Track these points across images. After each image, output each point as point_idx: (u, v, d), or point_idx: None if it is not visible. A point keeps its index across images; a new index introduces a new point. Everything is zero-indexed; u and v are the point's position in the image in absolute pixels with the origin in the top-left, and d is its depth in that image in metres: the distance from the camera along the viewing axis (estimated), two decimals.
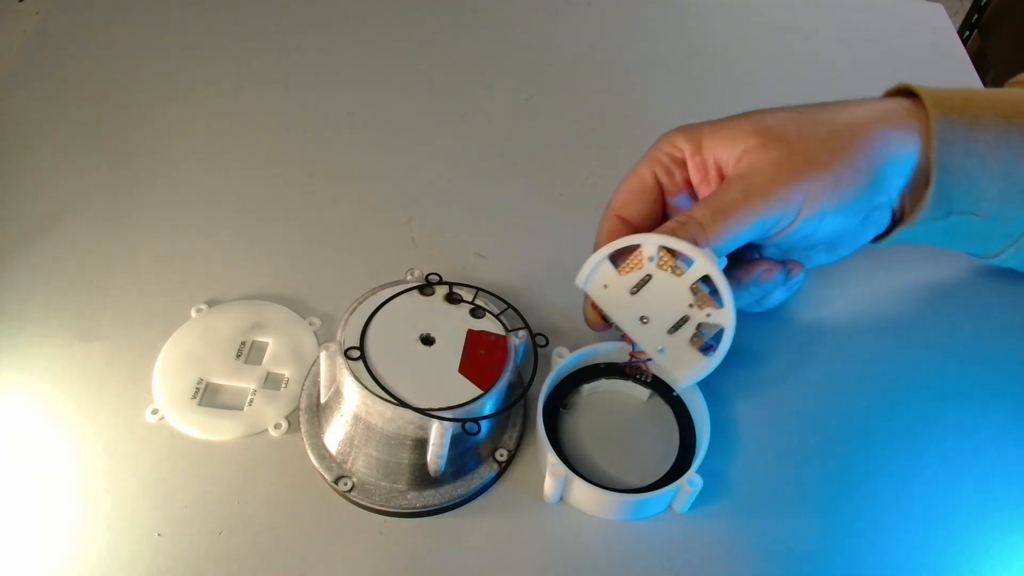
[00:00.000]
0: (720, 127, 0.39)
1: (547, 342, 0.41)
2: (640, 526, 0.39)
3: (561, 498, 0.39)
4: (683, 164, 0.40)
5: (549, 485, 0.38)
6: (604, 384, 0.42)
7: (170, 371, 0.42)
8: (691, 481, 0.37)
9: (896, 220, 0.41)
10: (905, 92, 0.41)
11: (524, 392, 0.41)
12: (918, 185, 0.39)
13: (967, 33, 1.38)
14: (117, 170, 0.52)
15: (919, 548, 0.39)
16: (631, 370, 0.41)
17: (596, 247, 0.40)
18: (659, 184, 0.41)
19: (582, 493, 0.38)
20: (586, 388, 0.42)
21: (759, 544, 0.39)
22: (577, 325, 0.46)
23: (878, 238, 0.42)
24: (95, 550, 0.36)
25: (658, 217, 0.41)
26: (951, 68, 0.67)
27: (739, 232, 0.37)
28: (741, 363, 0.43)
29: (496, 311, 0.40)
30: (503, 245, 0.50)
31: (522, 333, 0.40)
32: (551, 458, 0.38)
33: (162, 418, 0.40)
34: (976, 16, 1.38)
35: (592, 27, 0.68)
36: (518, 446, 0.41)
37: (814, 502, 0.40)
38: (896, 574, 0.38)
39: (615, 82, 0.63)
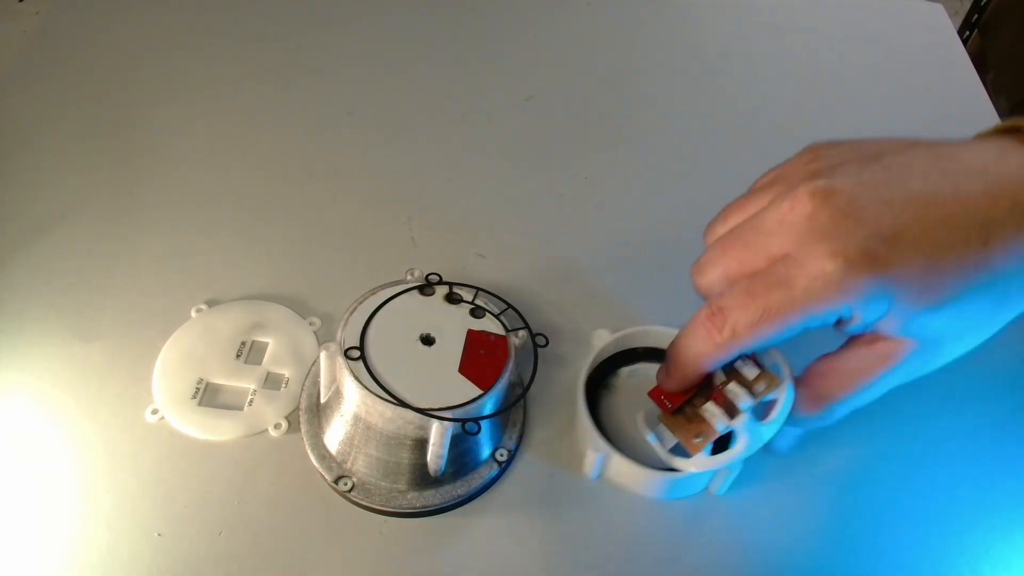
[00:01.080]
0: (911, 305, 0.31)
1: (547, 342, 0.41)
2: (675, 506, 0.40)
3: (600, 475, 0.40)
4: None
5: (590, 459, 0.39)
6: (642, 368, 0.43)
7: (170, 371, 0.42)
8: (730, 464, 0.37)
9: None
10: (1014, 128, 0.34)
11: (524, 392, 0.41)
12: None
13: (967, 33, 1.38)
14: (117, 170, 0.52)
15: (919, 548, 0.39)
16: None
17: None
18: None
19: (621, 470, 0.39)
20: (625, 371, 0.42)
21: (786, 529, 0.39)
22: (577, 325, 0.46)
23: None
24: (95, 550, 0.36)
25: None
26: (951, 68, 0.67)
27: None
28: None
29: (496, 311, 0.40)
30: (503, 245, 0.50)
31: (522, 333, 0.40)
32: (592, 433, 0.38)
33: (162, 418, 0.40)
34: (976, 16, 1.38)
35: (592, 27, 0.68)
36: (518, 446, 0.41)
37: (815, 501, 0.40)
38: (896, 574, 0.38)
39: (615, 82, 0.63)
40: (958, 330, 0.33)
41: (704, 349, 0.34)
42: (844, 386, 0.35)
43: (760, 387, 0.38)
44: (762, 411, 0.38)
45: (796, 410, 0.36)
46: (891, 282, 0.30)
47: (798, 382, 0.36)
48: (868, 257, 0.30)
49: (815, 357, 0.37)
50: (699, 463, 0.37)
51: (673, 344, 0.35)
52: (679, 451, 0.38)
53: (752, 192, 0.36)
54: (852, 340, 0.35)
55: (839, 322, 0.32)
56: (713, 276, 0.34)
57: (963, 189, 0.31)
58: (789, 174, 0.34)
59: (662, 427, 0.39)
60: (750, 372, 0.38)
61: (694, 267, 0.36)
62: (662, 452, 0.38)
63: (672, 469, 0.38)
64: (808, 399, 0.36)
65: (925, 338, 0.33)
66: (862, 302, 0.30)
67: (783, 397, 0.37)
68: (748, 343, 0.33)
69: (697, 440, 0.37)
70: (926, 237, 0.30)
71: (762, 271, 0.32)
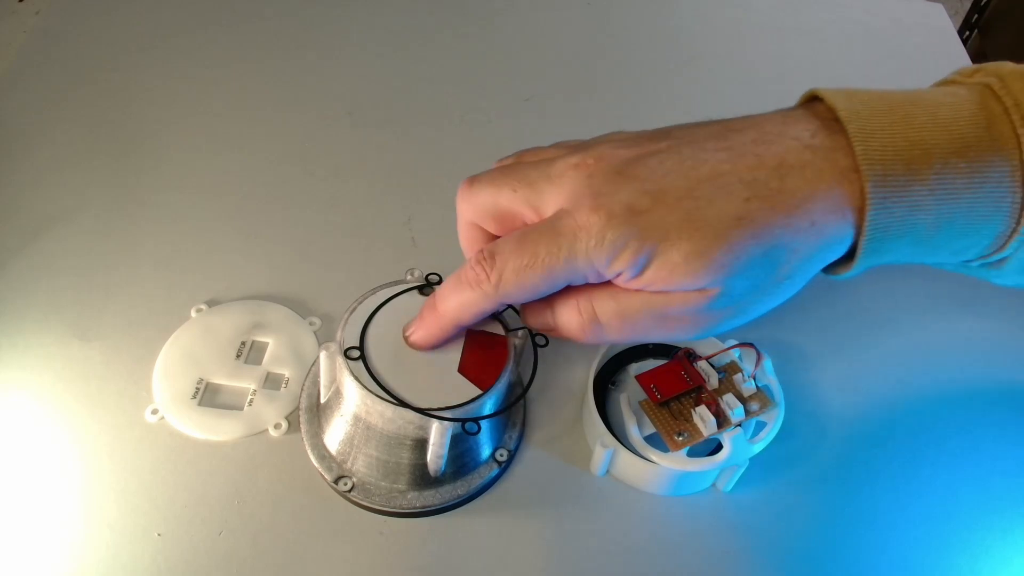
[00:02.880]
0: (673, 262, 0.32)
1: (547, 342, 0.41)
2: (681, 502, 0.40)
3: (608, 471, 0.40)
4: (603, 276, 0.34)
5: (598, 455, 0.39)
6: (651, 364, 0.43)
7: (170, 371, 0.42)
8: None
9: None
10: (814, 100, 0.34)
11: (524, 392, 0.41)
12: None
13: (967, 33, 1.38)
14: (117, 170, 0.52)
15: (919, 548, 0.39)
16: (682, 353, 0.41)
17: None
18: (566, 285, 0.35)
19: (629, 466, 0.39)
20: (633, 367, 0.42)
21: (790, 527, 0.39)
22: None
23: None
24: (95, 550, 0.36)
25: None
26: (951, 68, 0.67)
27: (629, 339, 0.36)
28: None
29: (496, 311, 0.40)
30: None
31: (522, 333, 0.40)
32: (601, 429, 0.39)
33: (162, 418, 0.40)
34: (976, 16, 1.38)
35: (592, 27, 0.68)
36: (518, 446, 0.41)
37: (814, 501, 0.40)
38: (896, 574, 0.38)
39: (615, 82, 0.63)
40: (727, 291, 0.32)
41: (469, 297, 0.34)
42: (622, 330, 0.34)
43: (754, 406, 0.38)
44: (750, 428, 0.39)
45: (566, 329, 0.35)
46: (650, 234, 0.31)
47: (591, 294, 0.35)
48: (630, 211, 0.31)
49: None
50: (675, 460, 0.37)
51: (435, 294, 0.36)
52: (656, 441, 0.38)
53: (553, 145, 0.37)
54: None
55: (615, 280, 0.33)
56: (482, 196, 0.36)
57: (736, 153, 0.32)
58: (590, 143, 0.35)
59: (642, 413, 0.39)
60: (747, 389, 0.39)
61: (467, 180, 0.37)
62: (637, 438, 0.38)
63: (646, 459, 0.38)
64: (584, 329, 0.35)
65: (693, 291, 0.32)
66: (624, 253, 0.31)
67: (774, 421, 0.38)
68: (513, 292, 0.33)
69: (679, 438, 0.37)
70: (689, 193, 0.32)
71: (534, 224, 0.34)
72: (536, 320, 0.36)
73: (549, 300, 0.35)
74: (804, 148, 0.32)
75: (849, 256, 0.34)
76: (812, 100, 0.35)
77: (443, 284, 0.36)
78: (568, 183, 0.33)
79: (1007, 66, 0.34)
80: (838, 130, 0.32)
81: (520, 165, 0.35)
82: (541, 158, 0.35)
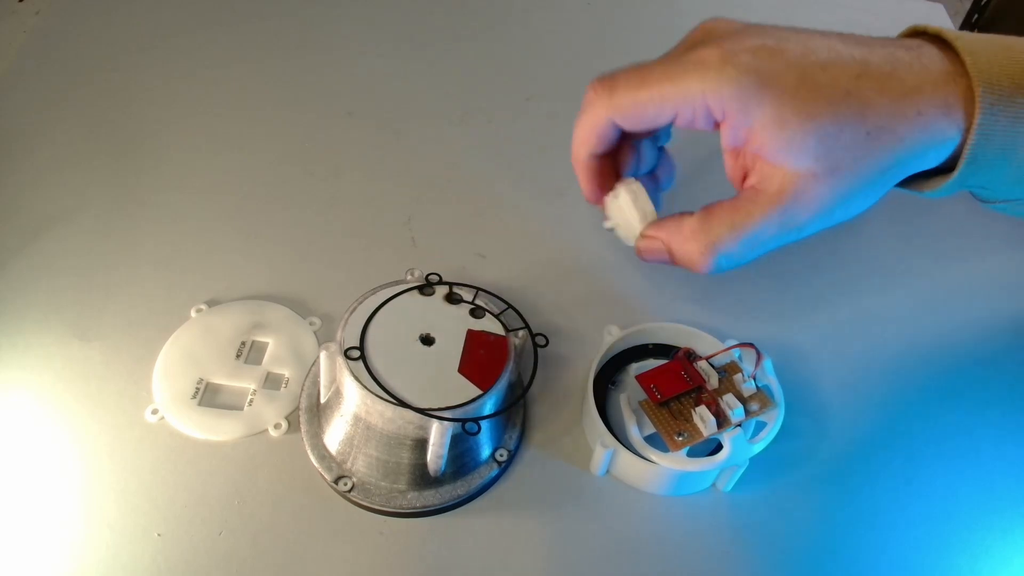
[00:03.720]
0: (783, 124, 0.33)
1: (547, 342, 0.41)
2: (681, 502, 0.40)
3: (607, 471, 0.40)
4: (713, 120, 0.35)
5: (598, 455, 0.39)
6: (651, 364, 0.43)
7: (170, 371, 0.42)
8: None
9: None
10: (936, 35, 0.37)
11: (524, 392, 0.41)
12: (940, 168, 0.36)
13: None
14: (117, 170, 0.52)
15: (919, 547, 0.39)
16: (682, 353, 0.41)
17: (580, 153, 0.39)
18: (672, 122, 0.36)
19: (628, 466, 0.39)
20: (634, 367, 0.42)
21: (790, 527, 0.39)
22: (577, 325, 0.46)
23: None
24: (95, 550, 0.36)
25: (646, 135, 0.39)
26: None
27: (754, 256, 0.37)
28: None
29: (496, 311, 0.40)
30: (503, 245, 0.50)
31: (522, 333, 0.40)
32: (601, 429, 0.39)
33: (162, 418, 0.40)
34: (976, 16, 1.38)
35: (592, 27, 0.68)
36: (518, 446, 0.41)
37: (814, 501, 0.40)
38: (896, 574, 0.38)
39: None
40: (832, 168, 0.34)
41: (587, 114, 0.37)
42: (732, 226, 0.36)
43: (755, 406, 0.38)
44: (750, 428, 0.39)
45: (684, 258, 0.37)
46: (766, 80, 0.33)
47: (682, 225, 0.37)
48: (752, 55, 0.34)
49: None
50: (675, 460, 0.37)
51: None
52: (656, 441, 0.38)
53: None
54: (742, 190, 0.37)
55: (718, 125, 0.35)
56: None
57: (851, 40, 0.37)
58: None
59: (642, 413, 0.39)
60: (747, 389, 0.39)
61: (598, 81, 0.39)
62: (637, 438, 0.38)
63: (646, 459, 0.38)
64: (696, 243, 0.36)
65: (802, 169, 0.34)
66: (738, 92, 0.33)
67: (774, 421, 0.38)
68: (625, 102, 0.35)
69: (679, 438, 0.37)
70: (806, 56, 0.34)
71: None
72: (654, 254, 0.38)
73: (663, 233, 0.38)
74: (914, 53, 0.35)
75: (949, 168, 0.35)
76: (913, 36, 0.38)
77: (687, 255, 0.37)
78: (693, 34, 0.37)
79: None
80: (946, 47, 0.35)
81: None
82: None
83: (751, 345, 0.40)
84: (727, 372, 0.40)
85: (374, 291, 0.40)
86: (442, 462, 0.37)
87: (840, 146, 0.34)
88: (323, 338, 0.44)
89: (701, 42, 0.35)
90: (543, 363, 0.44)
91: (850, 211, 0.36)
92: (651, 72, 0.35)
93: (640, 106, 0.35)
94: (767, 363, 0.39)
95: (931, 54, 0.36)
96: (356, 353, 0.36)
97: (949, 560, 0.39)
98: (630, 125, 0.36)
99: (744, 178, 0.37)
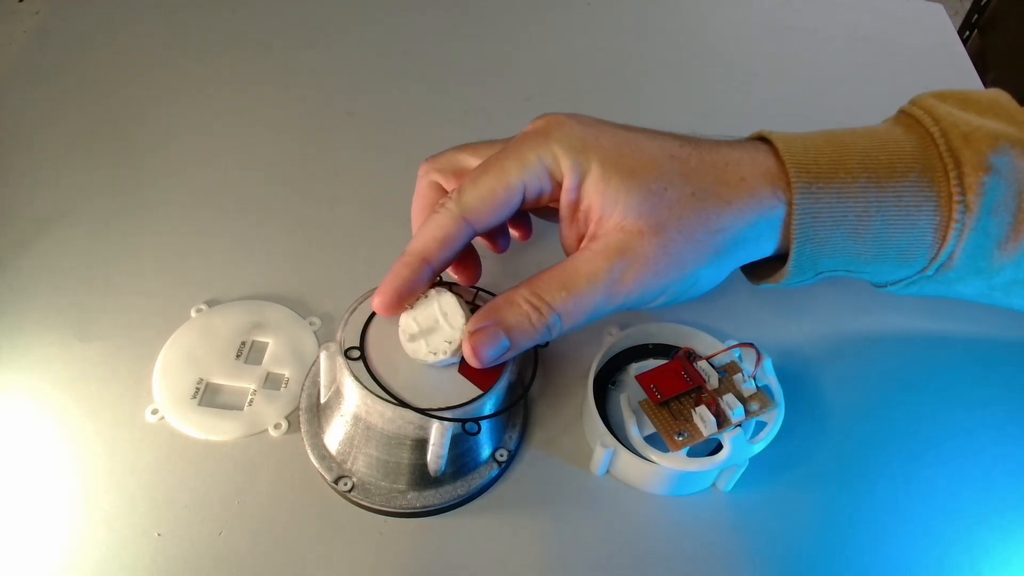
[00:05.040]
0: (608, 180, 0.34)
1: (547, 342, 0.41)
2: (681, 502, 0.40)
3: (608, 471, 0.40)
4: (555, 181, 0.36)
5: (598, 455, 0.39)
6: (651, 364, 0.43)
7: (170, 371, 0.42)
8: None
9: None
10: (762, 138, 0.38)
11: (524, 392, 0.41)
12: (779, 255, 0.37)
13: (967, 33, 1.38)
14: (117, 170, 0.52)
15: (919, 547, 0.39)
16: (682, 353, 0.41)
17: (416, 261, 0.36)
18: (523, 197, 0.36)
19: (629, 466, 0.39)
20: (634, 367, 0.42)
21: (791, 527, 0.39)
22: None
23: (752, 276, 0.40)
24: (95, 550, 0.36)
25: (496, 226, 0.37)
26: (951, 68, 0.67)
27: (587, 318, 0.35)
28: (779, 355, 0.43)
29: None
30: None
31: None
32: (601, 429, 0.39)
33: (162, 418, 0.40)
34: (976, 16, 1.38)
35: (592, 27, 0.68)
36: (518, 446, 0.41)
37: (814, 501, 0.40)
38: (896, 574, 0.38)
39: (615, 82, 0.63)
40: (657, 226, 0.34)
41: (432, 220, 0.36)
42: (563, 285, 0.35)
43: (755, 406, 0.38)
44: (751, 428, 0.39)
45: (520, 330, 0.35)
46: (589, 143, 0.35)
47: (510, 296, 0.35)
48: (577, 125, 0.36)
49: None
50: (675, 460, 0.37)
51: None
52: (656, 441, 0.38)
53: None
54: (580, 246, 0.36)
55: (553, 191, 0.36)
56: (444, 159, 0.41)
57: (675, 135, 0.37)
58: None
59: (642, 413, 0.39)
60: (747, 389, 0.39)
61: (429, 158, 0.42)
62: (637, 438, 0.38)
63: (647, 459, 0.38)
64: (530, 308, 0.35)
65: (627, 225, 0.34)
66: (569, 152, 0.35)
67: (774, 421, 0.38)
68: (473, 201, 0.35)
69: (679, 438, 0.37)
70: (630, 131, 0.36)
71: None
72: (490, 342, 0.35)
73: (495, 314, 0.35)
74: (739, 142, 0.37)
75: (784, 257, 0.36)
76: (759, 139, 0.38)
77: (517, 326, 0.35)
78: (527, 125, 0.37)
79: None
80: (768, 146, 0.36)
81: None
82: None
83: (751, 345, 0.40)
84: (727, 372, 0.40)
85: (374, 291, 0.40)
86: (442, 462, 0.37)
87: (664, 204, 0.34)
88: (323, 338, 0.44)
89: (532, 122, 0.37)
90: (543, 363, 0.44)
91: (683, 279, 0.35)
92: (491, 159, 0.36)
93: (488, 194, 0.35)
94: (767, 363, 0.39)
95: (755, 145, 0.37)
96: (356, 353, 0.36)
97: (949, 560, 0.39)
98: (484, 219, 0.35)
99: (578, 245, 0.36)
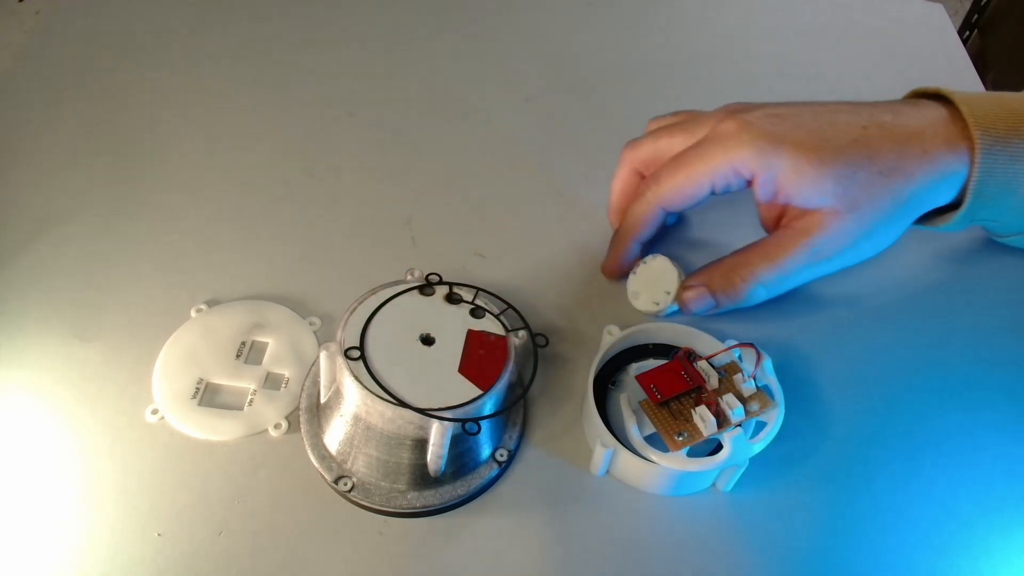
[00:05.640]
0: (800, 167, 0.39)
1: (547, 342, 0.41)
2: (681, 502, 0.40)
3: (607, 471, 0.40)
4: (745, 179, 0.41)
5: (598, 455, 0.39)
6: (651, 364, 0.43)
7: (170, 371, 0.42)
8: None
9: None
10: (935, 94, 0.42)
11: (524, 392, 0.41)
12: (950, 204, 0.42)
13: (967, 33, 1.38)
14: (117, 170, 0.52)
15: (919, 547, 0.39)
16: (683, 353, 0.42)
17: (628, 237, 0.45)
18: (712, 191, 0.42)
19: (628, 466, 0.39)
20: (634, 367, 0.42)
21: (791, 528, 0.39)
22: (577, 325, 0.46)
23: None
24: (95, 550, 0.36)
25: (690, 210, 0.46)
26: (951, 68, 0.67)
27: (788, 286, 0.43)
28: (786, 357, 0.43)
29: (496, 311, 0.40)
30: (503, 245, 0.50)
31: (522, 333, 0.40)
32: (601, 429, 0.39)
33: (162, 418, 0.40)
34: (976, 16, 1.38)
35: (592, 27, 0.68)
36: (518, 446, 0.41)
37: (819, 495, 0.40)
38: (896, 573, 0.38)
39: (615, 82, 0.63)
40: (851, 205, 0.39)
41: (634, 208, 0.44)
42: (767, 257, 0.42)
43: (755, 406, 0.39)
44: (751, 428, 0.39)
45: (725, 292, 0.43)
46: (781, 140, 0.39)
47: (720, 264, 0.43)
48: (765, 120, 0.40)
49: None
50: (675, 460, 0.37)
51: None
52: (656, 441, 0.38)
53: (687, 112, 0.46)
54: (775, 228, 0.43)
55: (749, 184, 0.41)
56: (644, 149, 0.45)
57: (854, 103, 0.42)
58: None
59: (642, 413, 0.39)
60: (747, 389, 0.39)
61: (630, 142, 0.46)
62: (637, 438, 0.38)
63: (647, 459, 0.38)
64: (736, 276, 0.42)
65: (825, 208, 0.40)
66: (757, 153, 0.39)
67: (774, 421, 0.38)
68: (667, 192, 0.42)
69: (679, 438, 0.37)
70: (814, 119, 0.40)
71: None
72: (698, 299, 0.43)
73: (706, 278, 0.43)
74: (914, 106, 0.41)
75: (958, 204, 0.41)
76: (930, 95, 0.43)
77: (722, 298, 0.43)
78: (715, 116, 0.42)
79: None
80: (945, 102, 0.41)
81: (675, 126, 0.44)
82: (680, 119, 0.45)
83: (751, 345, 0.40)
84: (727, 372, 0.40)
85: (374, 291, 0.40)
86: (442, 462, 0.37)
87: (856, 185, 0.39)
88: (323, 338, 0.44)
89: (721, 120, 0.41)
90: (543, 363, 0.44)
91: (876, 244, 0.41)
92: (684, 158, 0.42)
93: (680, 189, 0.42)
94: (767, 363, 0.39)
95: (931, 106, 0.41)
96: (356, 353, 0.36)
97: (949, 560, 0.39)
98: (676, 206, 0.43)
99: (776, 225, 0.43)
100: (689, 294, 0.43)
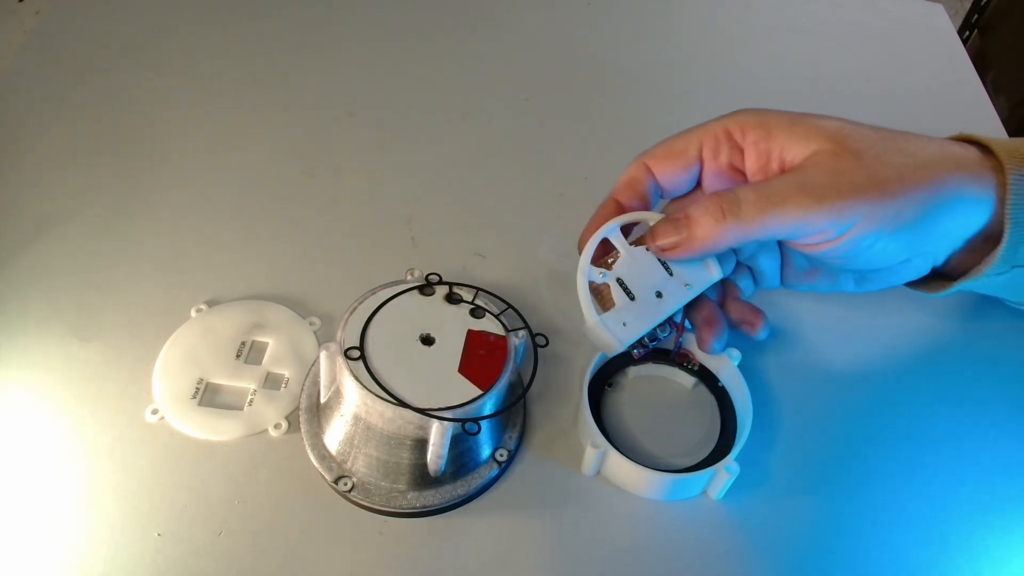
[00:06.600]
0: (797, 122, 0.38)
1: (547, 342, 0.41)
2: (672, 507, 0.40)
3: (598, 472, 0.40)
4: (736, 145, 0.39)
5: (588, 455, 0.39)
6: (651, 368, 0.43)
7: (170, 371, 0.42)
8: (728, 467, 0.38)
9: (942, 273, 0.41)
10: (967, 140, 0.40)
11: (524, 392, 0.41)
12: (987, 239, 0.38)
13: (967, 33, 1.38)
14: (117, 170, 0.52)
15: (919, 547, 0.39)
16: (680, 357, 0.42)
17: (614, 193, 0.41)
18: (700, 157, 0.40)
19: (619, 468, 0.39)
20: (632, 370, 0.42)
21: (785, 536, 0.39)
22: (577, 325, 0.46)
23: (924, 286, 0.42)
24: (95, 550, 0.36)
25: (683, 186, 0.41)
26: (951, 68, 0.67)
27: (779, 225, 0.35)
28: (788, 355, 0.43)
29: (496, 311, 0.40)
30: (503, 245, 0.50)
31: (522, 333, 0.40)
32: (593, 430, 0.39)
33: (162, 418, 0.40)
34: (976, 16, 1.38)
35: (592, 27, 0.68)
36: (518, 446, 0.41)
37: (814, 501, 0.40)
38: (896, 573, 0.38)
39: (615, 82, 0.63)
40: (844, 146, 0.37)
41: (625, 172, 0.41)
42: (755, 188, 0.36)
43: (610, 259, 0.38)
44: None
45: (700, 223, 0.37)
46: (778, 112, 0.38)
47: (708, 195, 0.38)
48: (758, 108, 0.39)
49: None
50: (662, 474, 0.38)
51: (692, 219, 0.37)
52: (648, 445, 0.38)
53: None
54: None
55: (732, 154, 0.39)
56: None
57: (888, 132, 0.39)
58: None
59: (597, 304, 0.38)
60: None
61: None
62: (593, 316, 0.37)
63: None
64: (720, 199, 0.36)
65: (820, 147, 0.37)
66: (754, 115, 0.39)
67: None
68: (655, 150, 0.41)
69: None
70: (848, 122, 0.38)
71: None
72: (669, 229, 0.38)
73: (683, 208, 0.38)
74: (944, 144, 0.39)
75: (995, 242, 0.38)
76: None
77: (701, 213, 0.37)
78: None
79: None
80: (978, 144, 0.39)
81: None
82: None
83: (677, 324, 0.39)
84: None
85: (374, 291, 0.40)
86: (442, 462, 0.37)
87: (856, 136, 0.37)
88: (323, 338, 0.44)
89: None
90: (543, 363, 0.44)
91: (892, 249, 0.37)
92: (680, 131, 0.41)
93: (667, 145, 0.40)
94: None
95: (964, 146, 0.39)
96: (356, 353, 0.36)
97: (949, 560, 0.39)
98: (663, 166, 0.40)
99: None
100: (663, 225, 0.38)
